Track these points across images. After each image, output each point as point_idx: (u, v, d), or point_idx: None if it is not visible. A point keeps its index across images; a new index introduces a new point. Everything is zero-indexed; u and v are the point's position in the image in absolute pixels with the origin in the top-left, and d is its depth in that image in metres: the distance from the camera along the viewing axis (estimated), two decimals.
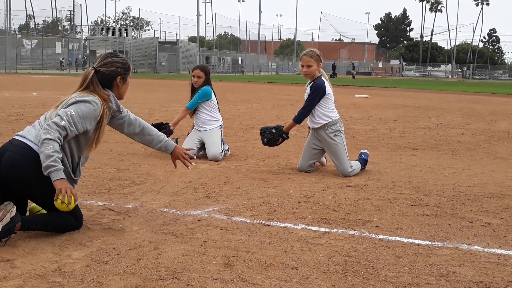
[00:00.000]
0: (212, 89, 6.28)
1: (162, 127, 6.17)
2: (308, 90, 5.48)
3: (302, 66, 5.42)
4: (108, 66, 3.43)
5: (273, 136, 5.51)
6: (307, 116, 5.47)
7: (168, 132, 6.16)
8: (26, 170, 3.15)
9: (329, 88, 5.39)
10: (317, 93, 5.33)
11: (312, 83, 5.41)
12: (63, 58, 52.02)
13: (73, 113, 3.22)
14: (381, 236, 3.43)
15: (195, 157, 4.05)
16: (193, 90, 6.33)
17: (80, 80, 3.42)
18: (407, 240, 3.37)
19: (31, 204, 3.50)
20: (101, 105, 3.36)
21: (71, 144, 3.30)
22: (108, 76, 3.43)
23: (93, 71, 3.40)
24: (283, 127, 5.55)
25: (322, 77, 5.41)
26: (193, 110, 6.26)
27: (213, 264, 2.84)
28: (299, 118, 5.44)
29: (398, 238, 3.40)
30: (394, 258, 3.03)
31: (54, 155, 3.07)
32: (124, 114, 3.66)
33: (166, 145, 3.81)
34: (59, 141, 3.13)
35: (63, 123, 3.17)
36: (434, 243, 3.33)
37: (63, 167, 3.15)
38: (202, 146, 6.21)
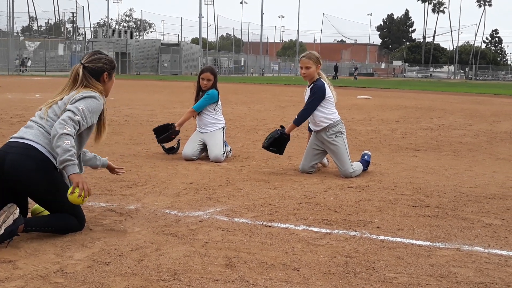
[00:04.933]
0: (218, 91, 6.29)
1: (168, 127, 6.23)
2: (308, 92, 5.50)
3: (301, 68, 5.44)
4: (96, 62, 3.53)
5: (277, 135, 5.44)
6: (308, 119, 5.48)
7: (174, 133, 6.22)
8: (31, 171, 3.16)
9: (329, 91, 5.40)
10: (317, 96, 5.34)
11: (312, 85, 5.42)
12: None
13: (84, 108, 3.30)
14: (382, 237, 3.44)
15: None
16: (199, 92, 6.33)
17: (71, 77, 3.49)
18: (408, 241, 3.38)
19: (34, 206, 3.51)
20: (103, 100, 3.48)
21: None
22: (95, 71, 3.51)
23: (81, 67, 3.49)
24: (284, 128, 5.54)
25: (322, 79, 5.42)
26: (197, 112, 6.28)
27: (214, 265, 2.85)
28: (299, 120, 5.44)
29: (399, 239, 3.41)
30: (395, 259, 3.04)
31: (72, 150, 3.13)
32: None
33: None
34: (74, 136, 3.20)
35: (77, 118, 3.24)
36: (435, 244, 3.33)
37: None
38: (204, 148, 6.21)
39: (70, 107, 3.29)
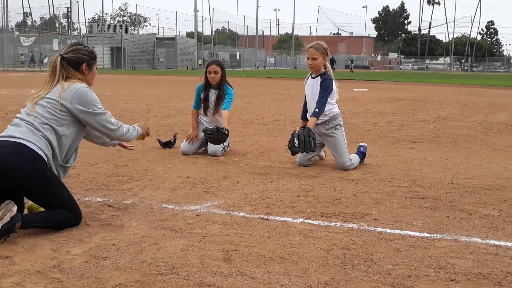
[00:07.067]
0: (232, 88, 6.20)
1: (216, 131, 5.69)
2: (309, 83, 5.46)
3: (308, 58, 5.39)
4: (74, 52, 3.52)
5: (303, 135, 5.05)
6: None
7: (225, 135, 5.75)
8: (25, 169, 3.13)
9: (335, 86, 5.38)
10: (329, 90, 5.27)
11: (322, 80, 5.32)
12: None
13: (95, 103, 3.44)
14: (380, 229, 3.44)
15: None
16: (207, 87, 6.15)
17: (50, 69, 3.48)
18: (405, 232, 3.38)
19: (29, 202, 3.49)
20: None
21: (68, 136, 3.37)
22: (74, 62, 3.50)
23: (59, 58, 3.48)
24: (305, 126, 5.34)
25: (329, 73, 5.38)
26: (200, 107, 6.21)
27: (212, 259, 2.85)
28: (319, 113, 5.22)
29: (396, 231, 3.41)
30: (392, 251, 3.03)
31: (129, 129, 3.70)
32: None
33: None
34: (118, 124, 3.59)
35: (103, 113, 3.46)
36: (432, 235, 3.33)
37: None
38: (202, 144, 6.16)
39: (90, 111, 3.41)
